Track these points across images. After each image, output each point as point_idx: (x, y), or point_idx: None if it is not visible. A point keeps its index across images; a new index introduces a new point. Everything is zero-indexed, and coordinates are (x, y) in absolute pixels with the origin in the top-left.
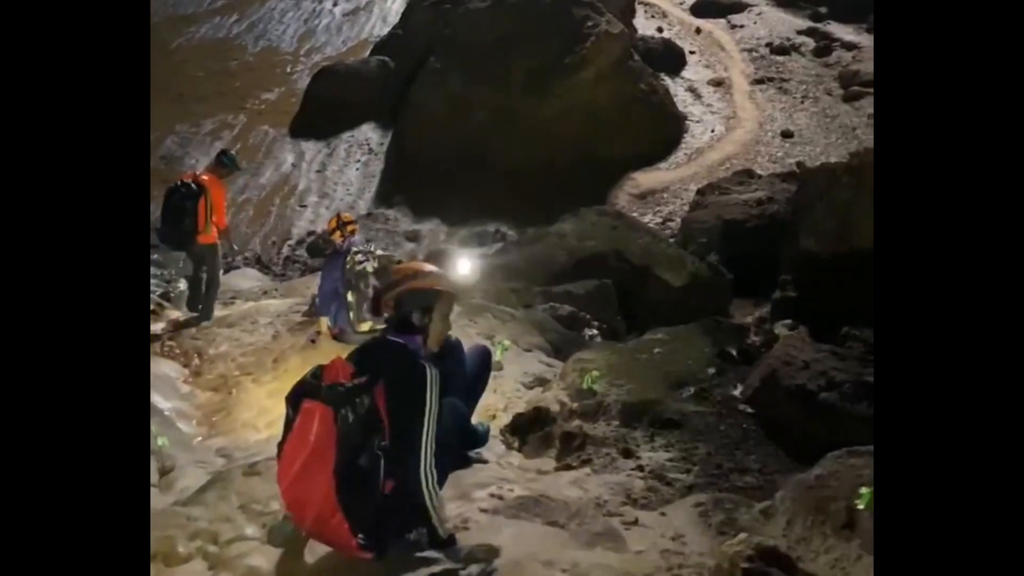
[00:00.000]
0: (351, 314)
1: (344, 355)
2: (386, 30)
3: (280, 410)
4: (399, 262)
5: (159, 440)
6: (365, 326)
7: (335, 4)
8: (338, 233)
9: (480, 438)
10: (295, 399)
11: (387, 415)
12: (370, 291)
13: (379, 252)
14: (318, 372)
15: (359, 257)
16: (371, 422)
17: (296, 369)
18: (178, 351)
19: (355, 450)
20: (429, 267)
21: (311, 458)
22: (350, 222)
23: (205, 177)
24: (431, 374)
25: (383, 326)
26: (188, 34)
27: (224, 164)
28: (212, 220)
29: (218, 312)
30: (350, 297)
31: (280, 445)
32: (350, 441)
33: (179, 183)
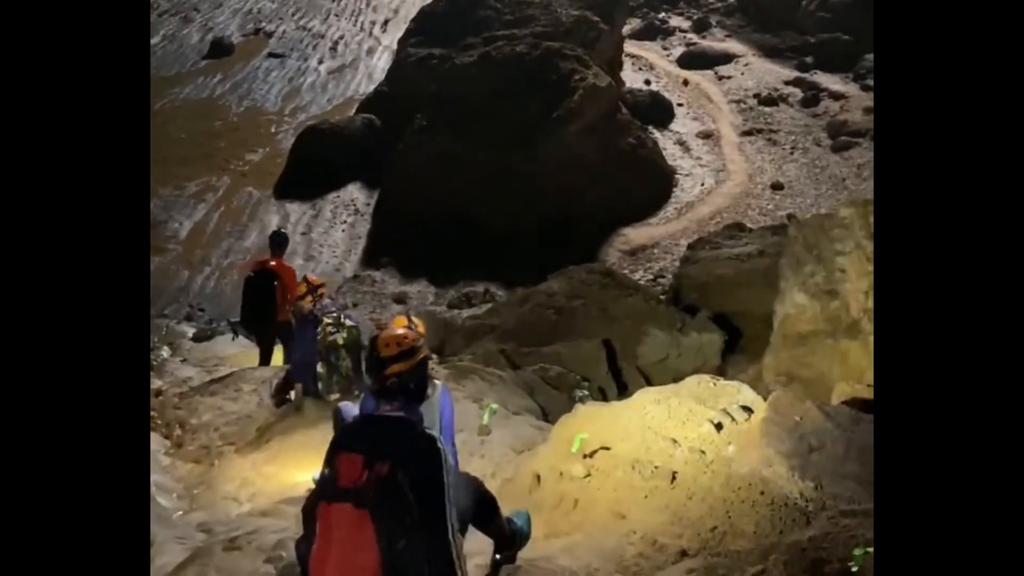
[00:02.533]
0: (319, 385)
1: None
2: (372, 87)
3: (263, 481)
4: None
5: None
6: (333, 397)
7: (320, 62)
8: (309, 298)
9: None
10: (312, 506)
11: (409, 492)
12: (342, 364)
13: (348, 323)
14: (331, 473)
15: (330, 329)
16: (405, 510)
17: (280, 438)
18: (159, 422)
19: (396, 541)
20: (410, 330)
21: (342, 561)
22: (319, 285)
23: (273, 263)
24: (443, 448)
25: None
26: (171, 95)
27: (281, 244)
28: (288, 299)
29: (200, 380)
30: (320, 368)
31: (305, 556)
32: (391, 535)
33: (254, 273)
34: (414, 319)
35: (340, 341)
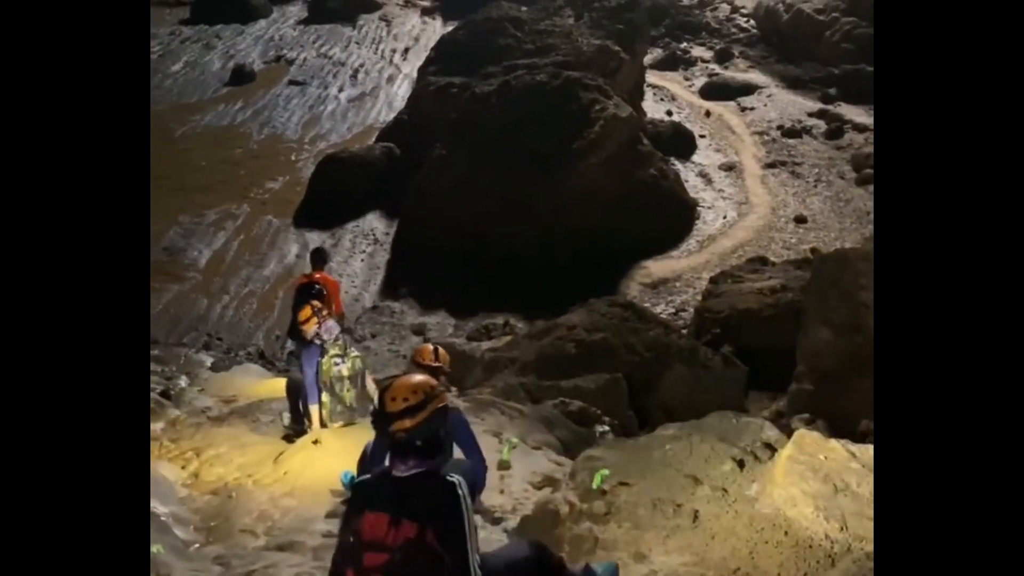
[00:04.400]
0: (324, 412)
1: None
2: (392, 116)
3: (280, 514)
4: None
5: (155, 547)
6: (336, 425)
7: (340, 90)
8: (313, 320)
9: None
10: (340, 567)
11: (439, 546)
12: (346, 395)
13: (353, 353)
14: (354, 536)
15: (336, 360)
16: (439, 568)
17: (299, 470)
18: (176, 452)
19: None
20: (430, 378)
21: None
22: (322, 308)
23: (318, 275)
24: (463, 494)
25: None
26: (192, 122)
27: (322, 259)
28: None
29: (218, 411)
30: (324, 397)
31: None
32: None
33: (300, 287)
34: (441, 351)
35: (345, 372)
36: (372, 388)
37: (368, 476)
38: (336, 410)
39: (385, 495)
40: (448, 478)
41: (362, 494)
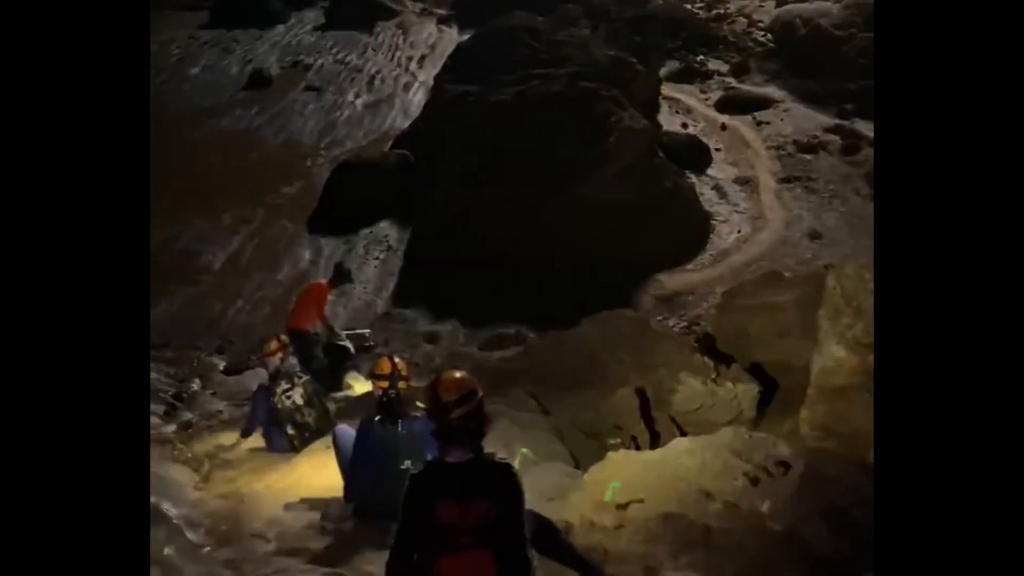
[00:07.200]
0: (295, 443)
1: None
2: (407, 123)
3: (291, 519)
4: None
5: (165, 550)
6: (307, 448)
7: (356, 96)
8: (279, 355)
9: None
10: (431, 556)
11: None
12: (309, 420)
13: (302, 379)
14: (437, 528)
15: (287, 393)
16: (516, 534)
17: (310, 475)
18: (189, 455)
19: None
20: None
21: None
22: (287, 344)
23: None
24: (518, 472)
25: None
26: (209, 126)
27: (336, 274)
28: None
29: (230, 414)
30: (290, 430)
31: None
32: (510, 564)
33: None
34: (397, 360)
35: (300, 401)
36: (331, 406)
37: (421, 469)
38: (304, 436)
39: (448, 483)
40: (501, 460)
41: (424, 487)
